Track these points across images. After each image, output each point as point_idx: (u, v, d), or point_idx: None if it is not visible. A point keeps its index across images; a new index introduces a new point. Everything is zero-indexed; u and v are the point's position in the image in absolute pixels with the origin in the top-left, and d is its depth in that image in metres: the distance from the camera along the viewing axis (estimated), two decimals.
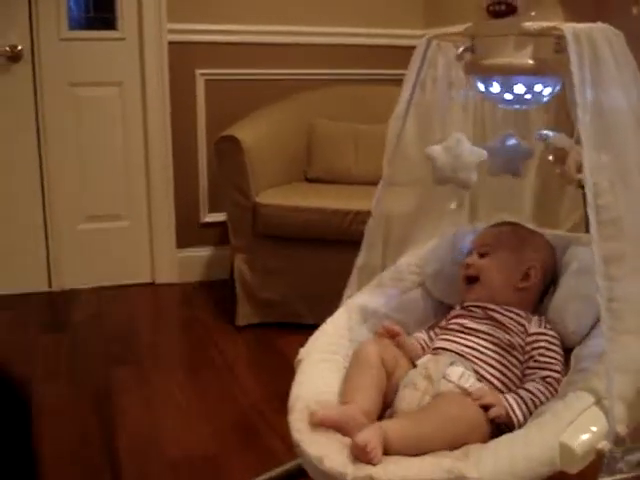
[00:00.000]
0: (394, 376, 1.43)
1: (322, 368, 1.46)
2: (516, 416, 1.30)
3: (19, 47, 3.35)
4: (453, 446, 1.22)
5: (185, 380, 2.64)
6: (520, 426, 1.28)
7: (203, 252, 3.80)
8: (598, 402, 1.21)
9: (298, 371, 1.46)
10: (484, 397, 1.30)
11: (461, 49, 1.46)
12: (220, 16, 3.61)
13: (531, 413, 1.31)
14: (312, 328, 1.59)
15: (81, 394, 2.50)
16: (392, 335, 1.50)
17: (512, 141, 1.65)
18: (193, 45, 3.60)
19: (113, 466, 2.05)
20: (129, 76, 3.57)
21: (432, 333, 1.58)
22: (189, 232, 3.75)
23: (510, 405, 1.31)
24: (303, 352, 1.51)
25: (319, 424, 1.25)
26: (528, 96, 1.45)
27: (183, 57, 3.58)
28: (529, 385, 1.37)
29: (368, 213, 1.67)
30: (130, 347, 2.95)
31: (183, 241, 3.76)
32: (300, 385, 1.40)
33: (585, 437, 1.16)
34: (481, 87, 1.48)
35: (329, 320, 1.60)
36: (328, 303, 1.69)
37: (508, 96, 1.43)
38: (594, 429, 1.18)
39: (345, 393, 1.38)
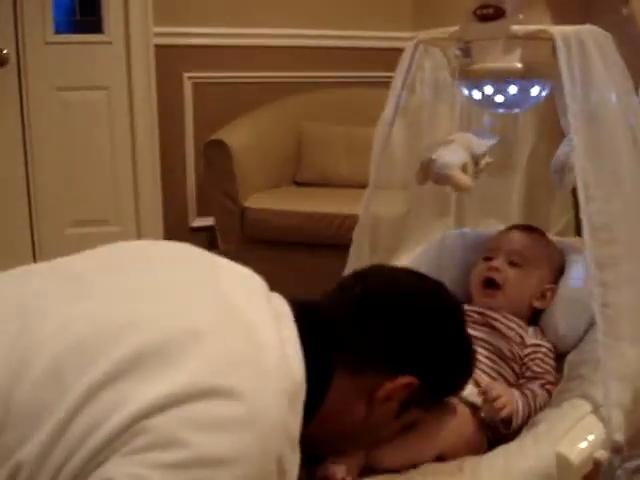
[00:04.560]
0: None
1: None
2: (517, 418, 1.29)
3: (4, 51, 3.30)
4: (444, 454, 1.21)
5: None
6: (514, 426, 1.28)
7: None
8: (595, 410, 1.20)
9: None
10: (499, 396, 1.29)
11: (457, 52, 1.44)
12: (207, 19, 3.59)
13: (529, 416, 1.30)
14: None
15: None
16: None
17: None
18: (180, 48, 3.57)
19: None
20: (116, 80, 3.54)
21: None
22: (178, 236, 3.67)
23: (517, 405, 1.30)
24: None
25: None
26: (499, 98, 1.42)
27: (170, 60, 3.56)
28: (532, 386, 1.36)
29: (358, 217, 1.65)
30: None
31: None
32: None
33: (582, 446, 1.15)
34: (476, 94, 1.45)
35: None
36: None
37: (499, 98, 1.41)
38: (591, 438, 1.16)
39: None
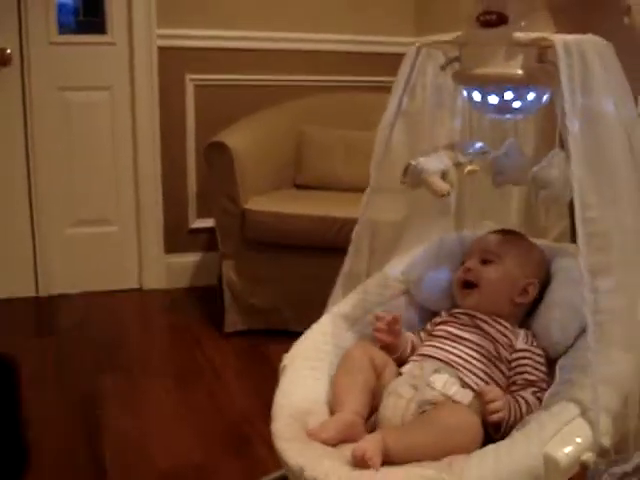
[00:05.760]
0: (382, 378, 1.43)
1: (306, 375, 1.45)
2: (505, 423, 1.30)
3: (8, 51, 3.34)
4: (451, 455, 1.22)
5: (172, 387, 2.63)
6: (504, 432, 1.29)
7: (191, 258, 3.79)
8: (583, 413, 1.21)
9: (282, 378, 1.44)
10: (496, 399, 1.30)
11: (446, 60, 1.46)
12: (210, 22, 3.60)
13: (516, 421, 1.31)
14: (300, 335, 1.58)
15: (68, 401, 2.48)
16: (393, 321, 1.49)
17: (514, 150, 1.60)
18: (183, 50, 3.59)
19: (99, 475, 2.04)
20: (118, 81, 3.57)
21: (420, 336, 1.58)
22: (177, 238, 3.75)
23: (509, 412, 1.31)
24: (287, 358, 1.50)
25: (321, 442, 1.25)
26: (517, 104, 1.44)
27: (173, 62, 3.58)
28: (525, 394, 1.37)
29: (356, 220, 1.67)
30: (117, 353, 2.93)
31: (171, 247, 3.75)
32: (284, 393, 1.39)
33: (569, 448, 1.15)
34: (476, 97, 1.47)
35: (314, 326, 1.59)
36: (316, 310, 1.68)
37: (516, 104, 1.42)
38: (579, 440, 1.17)
39: (335, 398, 1.38)
